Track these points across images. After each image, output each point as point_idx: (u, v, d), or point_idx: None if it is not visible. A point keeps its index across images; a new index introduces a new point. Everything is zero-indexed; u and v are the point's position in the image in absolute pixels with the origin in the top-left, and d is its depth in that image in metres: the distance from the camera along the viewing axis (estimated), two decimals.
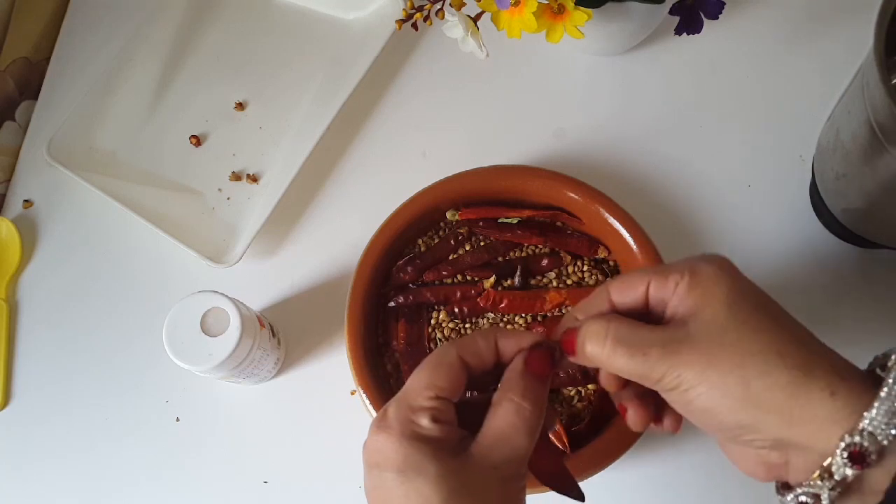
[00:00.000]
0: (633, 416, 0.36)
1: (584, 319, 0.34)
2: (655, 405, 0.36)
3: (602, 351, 0.33)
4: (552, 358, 0.35)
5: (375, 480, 0.33)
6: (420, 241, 0.58)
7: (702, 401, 0.31)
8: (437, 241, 0.58)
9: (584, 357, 0.34)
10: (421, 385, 0.34)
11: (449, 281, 0.56)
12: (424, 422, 0.33)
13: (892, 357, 0.30)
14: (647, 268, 0.35)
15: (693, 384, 0.31)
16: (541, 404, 0.34)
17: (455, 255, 0.57)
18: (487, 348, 0.35)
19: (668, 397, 0.33)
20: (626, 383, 0.36)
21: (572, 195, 0.55)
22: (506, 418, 0.33)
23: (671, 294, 0.33)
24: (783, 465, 0.31)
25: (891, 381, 0.28)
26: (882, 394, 0.28)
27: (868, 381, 0.30)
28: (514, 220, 0.56)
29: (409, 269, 0.56)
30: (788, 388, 0.29)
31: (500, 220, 0.57)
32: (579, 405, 0.52)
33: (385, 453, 0.32)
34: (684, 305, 0.32)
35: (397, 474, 0.32)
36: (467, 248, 0.57)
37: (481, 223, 0.57)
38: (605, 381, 0.36)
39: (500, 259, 0.57)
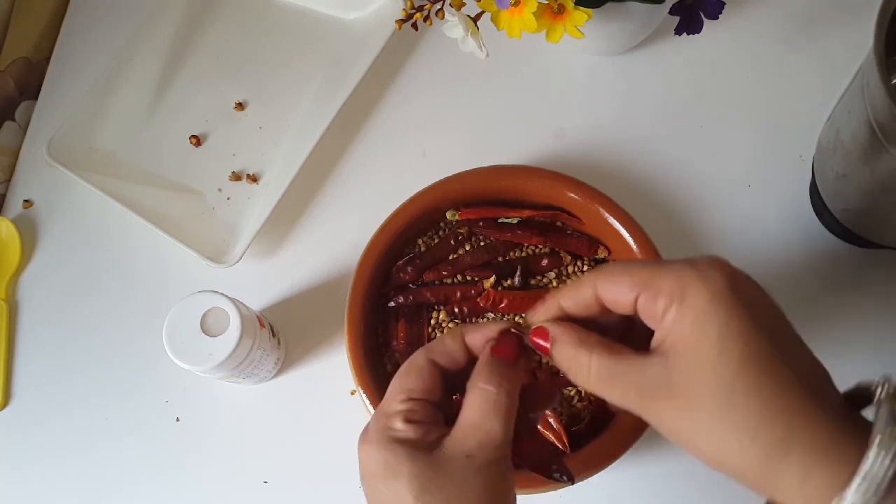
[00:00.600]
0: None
1: (559, 329, 0.34)
2: None
3: (586, 380, 0.32)
4: (519, 342, 0.35)
5: (369, 491, 0.33)
6: (420, 241, 0.58)
7: (680, 441, 0.30)
8: (437, 241, 0.58)
9: (562, 368, 0.33)
10: (394, 391, 0.35)
11: (449, 281, 0.56)
12: (398, 424, 0.33)
13: (877, 414, 0.28)
14: (637, 269, 0.32)
15: (671, 429, 0.30)
16: (509, 387, 0.33)
17: (455, 255, 0.57)
18: (456, 346, 0.35)
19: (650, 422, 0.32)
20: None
21: (572, 195, 0.55)
22: (473, 405, 0.33)
23: (659, 318, 0.31)
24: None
25: (867, 463, 0.26)
26: (856, 481, 0.26)
27: (847, 454, 0.27)
28: (514, 220, 0.56)
29: (409, 269, 0.56)
30: (764, 465, 0.28)
31: (500, 220, 0.57)
32: (579, 405, 0.52)
33: (370, 463, 0.33)
34: (671, 337, 0.30)
35: (381, 480, 0.32)
36: (467, 248, 0.57)
37: (481, 223, 0.57)
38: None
39: (500, 259, 0.56)
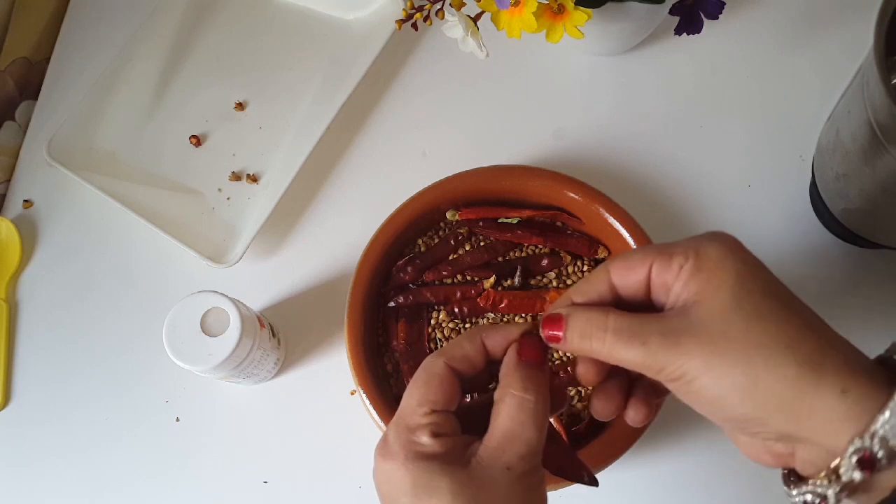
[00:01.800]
0: (597, 406, 0.35)
1: (570, 308, 0.33)
2: (621, 395, 0.35)
3: (602, 342, 0.31)
4: (542, 343, 0.34)
5: None
6: (420, 241, 0.58)
7: (706, 392, 0.30)
8: (437, 241, 0.58)
9: (577, 346, 0.32)
10: (414, 403, 0.33)
11: (449, 281, 0.56)
12: (425, 439, 0.32)
13: None
14: (650, 246, 0.33)
15: (696, 375, 0.29)
16: (543, 392, 0.33)
17: (455, 255, 0.57)
18: (474, 350, 0.34)
19: (672, 387, 0.31)
20: (605, 378, 0.35)
21: (572, 195, 0.55)
22: (510, 414, 0.32)
23: (674, 278, 0.31)
24: (790, 455, 0.31)
25: None
26: None
27: (882, 379, 0.28)
28: (514, 220, 0.56)
29: (409, 269, 0.56)
30: (797, 384, 0.28)
31: (500, 220, 0.57)
32: (579, 405, 0.52)
33: (394, 480, 0.31)
34: (688, 291, 0.31)
35: (411, 499, 0.31)
36: (467, 248, 0.57)
37: (481, 223, 0.57)
38: (583, 375, 0.35)
39: (500, 259, 0.57)
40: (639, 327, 0.31)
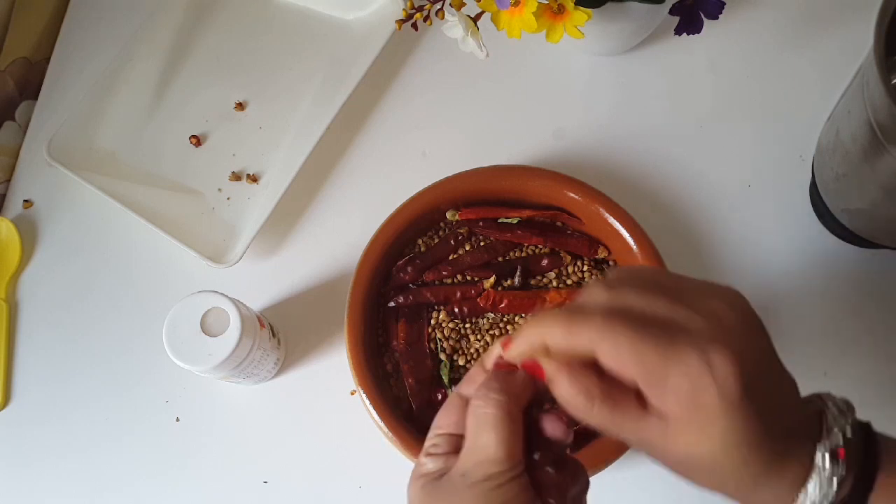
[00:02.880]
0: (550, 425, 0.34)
1: (555, 370, 0.32)
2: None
3: (586, 420, 0.32)
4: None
5: None
6: (420, 241, 0.58)
7: (673, 453, 0.31)
8: (437, 241, 0.58)
9: (559, 397, 0.32)
10: (431, 430, 0.35)
11: (449, 281, 0.56)
12: (422, 459, 0.34)
13: (824, 433, 0.31)
14: (643, 345, 0.30)
15: (661, 454, 0.32)
16: (500, 398, 0.32)
17: (455, 255, 0.57)
18: (478, 371, 0.35)
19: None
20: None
21: (572, 195, 0.55)
22: (468, 424, 0.33)
23: (662, 405, 0.30)
24: None
25: (815, 477, 0.30)
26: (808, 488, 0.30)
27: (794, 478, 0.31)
28: (514, 220, 0.56)
29: (409, 269, 0.56)
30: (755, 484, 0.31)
31: (500, 220, 0.57)
32: None
33: (408, 500, 0.34)
34: (675, 418, 0.30)
35: None
36: (467, 248, 0.57)
37: (481, 223, 0.57)
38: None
39: (500, 259, 0.56)
40: (619, 429, 0.32)
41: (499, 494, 0.31)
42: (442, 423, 0.34)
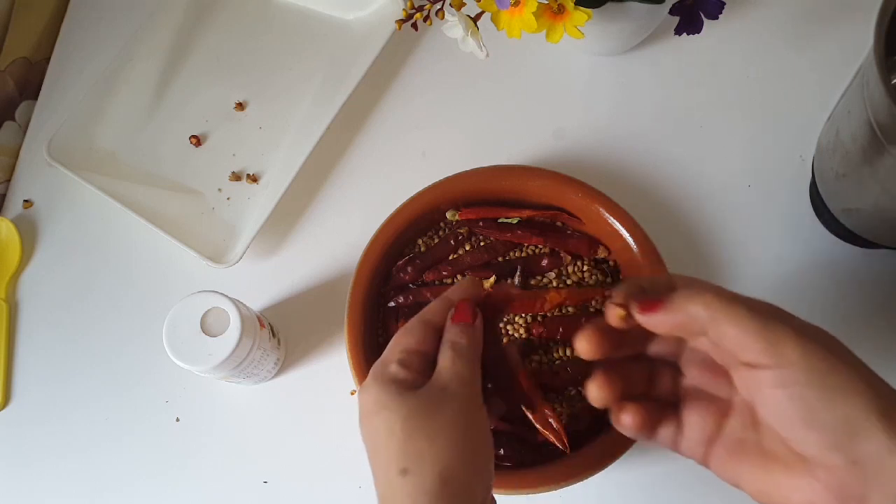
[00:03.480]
0: (594, 389, 0.35)
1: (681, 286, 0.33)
2: (622, 384, 0.35)
3: (719, 301, 0.31)
4: (474, 308, 0.41)
5: (364, 427, 0.38)
6: (420, 241, 0.58)
7: (780, 401, 0.30)
8: (437, 241, 0.57)
9: (680, 307, 0.32)
10: (391, 347, 0.40)
11: (449, 281, 0.56)
12: (392, 367, 0.38)
13: None
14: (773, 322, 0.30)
15: (784, 379, 0.30)
16: (470, 340, 0.39)
17: (455, 255, 0.57)
18: (443, 306, 0.41)
19: (746, 376, 0.32)
20: (606, 356, 0.35)
21: (572, 195, 0.55)
22: (445, 356, 0.39)
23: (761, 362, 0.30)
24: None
25: None
26: None
27: None
28: (514, 220, 0.56)
29: (409, 269, 0.56)
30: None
31: (500, 220, 0.57)
32: (580, 405, 0.52)
33: (366, 402, 0.38)
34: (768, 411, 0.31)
35: (374, 414, 0.37)
36: (467, 248, 0.57)
37: (481, 223, 0.57)
38: (586, 346, 0.35)
39: (500, 259, 0.56)
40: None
41: (471, 403, 0.38)
42: (409, 342, 0.40)
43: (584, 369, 0.52)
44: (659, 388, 0.36)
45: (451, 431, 0.36)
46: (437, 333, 0.41)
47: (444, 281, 0.56)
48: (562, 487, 0.48)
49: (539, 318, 0.54)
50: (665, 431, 0.35)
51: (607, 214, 0.54)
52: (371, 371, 0.39)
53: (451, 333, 0.40)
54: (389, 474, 0.35)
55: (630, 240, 0.53)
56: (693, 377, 0.36)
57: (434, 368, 0.39)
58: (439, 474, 0.35)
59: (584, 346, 0.35)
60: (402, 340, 0.40)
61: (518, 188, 0.56)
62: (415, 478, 0.35)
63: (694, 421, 0.35)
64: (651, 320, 0.33)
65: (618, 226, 0.54)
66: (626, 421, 0.35)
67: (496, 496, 0.47)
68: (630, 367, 0.36)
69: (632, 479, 0.54)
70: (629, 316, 0.33)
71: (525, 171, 0.57)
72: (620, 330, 0.34)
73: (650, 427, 0.35)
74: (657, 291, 0.33)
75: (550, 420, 0.50)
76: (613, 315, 0.34)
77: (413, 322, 0.41)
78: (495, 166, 0.57)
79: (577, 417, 0.52)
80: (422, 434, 0.36)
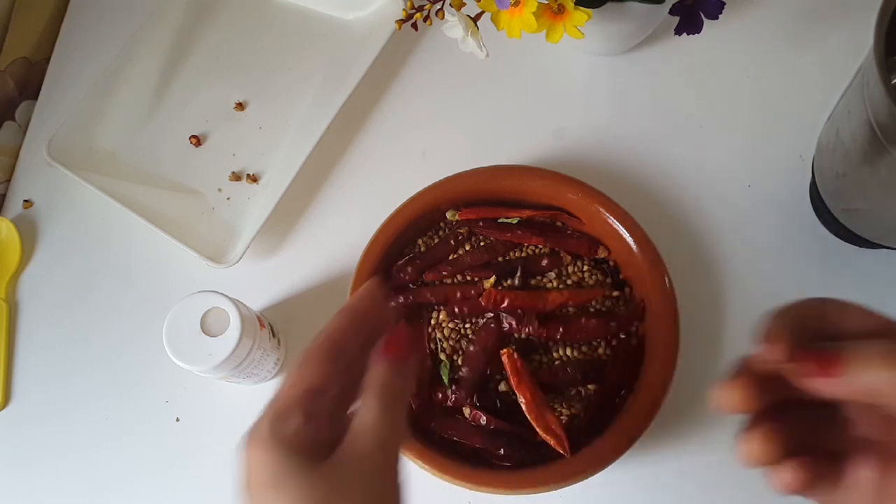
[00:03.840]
0: (752, 445, 0.29)
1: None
2: (785, 441, 0.29)
3: None
4: (410, 336, 0.33)
5: (250, 498, 0.30)
6: (420, 241, 0.58)
7: None
8: (436, 241, 0.57)
9: (863, 379, 0.26)
10: (289, 385, 0.32)
11: (449, 281, 0.56)
12: (292, 422, 0.30)
13: None
14: None
15: None
16: (404, 384, 0.32)
17: (455, 255, 0.56)
18: (354, 323, 0.34)
19: None
20: (759, 409, 0.29)
21: (572, 195, 0.55)
22: (368, 410, 0.31)
23: None
24: None
25: None
26: None
27: None
28: (514, 220, 0.56)
29: (409, 269, 0.56)
30: None
31: (500, 220, 0.57)
32: (579, 405, 0.52)
33: (254, 464, 0.30)
34: None
35: (265, 487, 0.30)
36: (467, 247, 0.57)
37: (481, 223, 0.57)
38: (740, 399, 0.28)
39: (500, 259, 0.56)
40: None
41: (393, 470, 0.31)
42: (313, 379, 0.31)
43: (585, 369, 0.52)
44: (821, 437, 0.29)
45: None
46: (349, 362, 0.33)
47: (444, 281, 0.56)
48: (561, 487, 0.48)
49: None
50: (822, 485, 0.29)
51: (607, 214, 0.54)
52: (264, 418, 0.31)
53: (379, 374, 0.32)
54: None
55: (630, 240, 0.53)
56: (864, 426, 0.29)
57: (344, 412, 0.32)
58: None
59: (735, 397, 0.28)
60: (306, 376, 0.32)
61: (518, 188, 0.56)
62: None
63: (865, 477, 0.28)
64: (823, 385, 0.27)
65: (617, 225, 0.54)
66: (786, 479, 0.28)
67: (497, 496, 0.47)
68: (790, 414, 0.29)
69: (632, 480, 0.54)
70: (798, 372, 0.27)
71: (525, 170, 0.57)
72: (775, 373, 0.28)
73: (814, 485, 0.28)
74: (823, 338, 0.27)
75: (552, 426, 0.50)
76: (776, 360, 0.27)
77: (315, 349, 0.33)
78: (495, 166, 0.57)
79: (576, 417, 0.52)
80: None
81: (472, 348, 0.53)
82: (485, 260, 0.56)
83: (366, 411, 0.31)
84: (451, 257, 0.57)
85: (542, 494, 0.50)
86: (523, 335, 0.53)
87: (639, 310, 0.53)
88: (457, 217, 0.57)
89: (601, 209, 0.54)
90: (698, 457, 0.54)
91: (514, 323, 0.53)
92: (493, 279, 0.55)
